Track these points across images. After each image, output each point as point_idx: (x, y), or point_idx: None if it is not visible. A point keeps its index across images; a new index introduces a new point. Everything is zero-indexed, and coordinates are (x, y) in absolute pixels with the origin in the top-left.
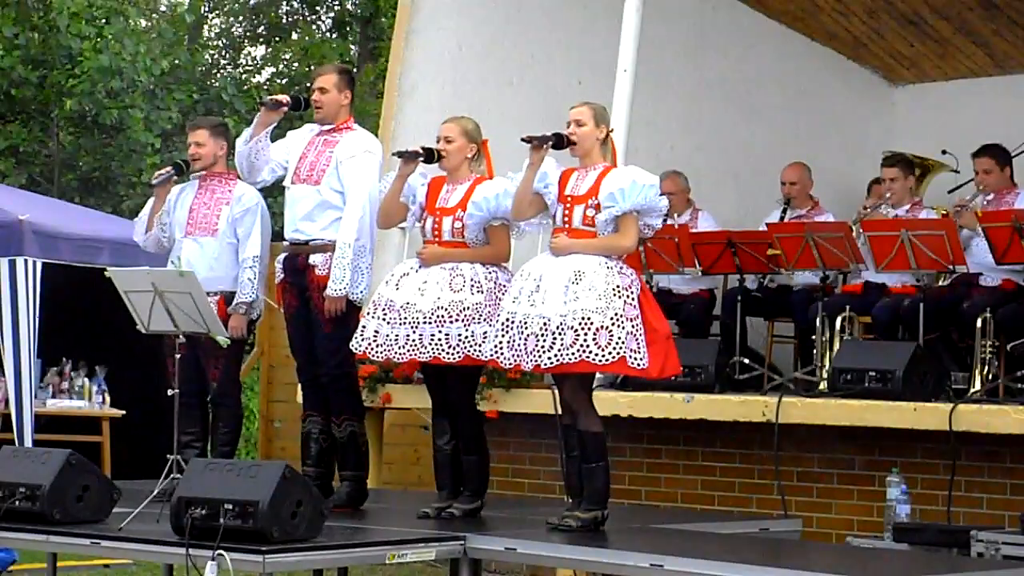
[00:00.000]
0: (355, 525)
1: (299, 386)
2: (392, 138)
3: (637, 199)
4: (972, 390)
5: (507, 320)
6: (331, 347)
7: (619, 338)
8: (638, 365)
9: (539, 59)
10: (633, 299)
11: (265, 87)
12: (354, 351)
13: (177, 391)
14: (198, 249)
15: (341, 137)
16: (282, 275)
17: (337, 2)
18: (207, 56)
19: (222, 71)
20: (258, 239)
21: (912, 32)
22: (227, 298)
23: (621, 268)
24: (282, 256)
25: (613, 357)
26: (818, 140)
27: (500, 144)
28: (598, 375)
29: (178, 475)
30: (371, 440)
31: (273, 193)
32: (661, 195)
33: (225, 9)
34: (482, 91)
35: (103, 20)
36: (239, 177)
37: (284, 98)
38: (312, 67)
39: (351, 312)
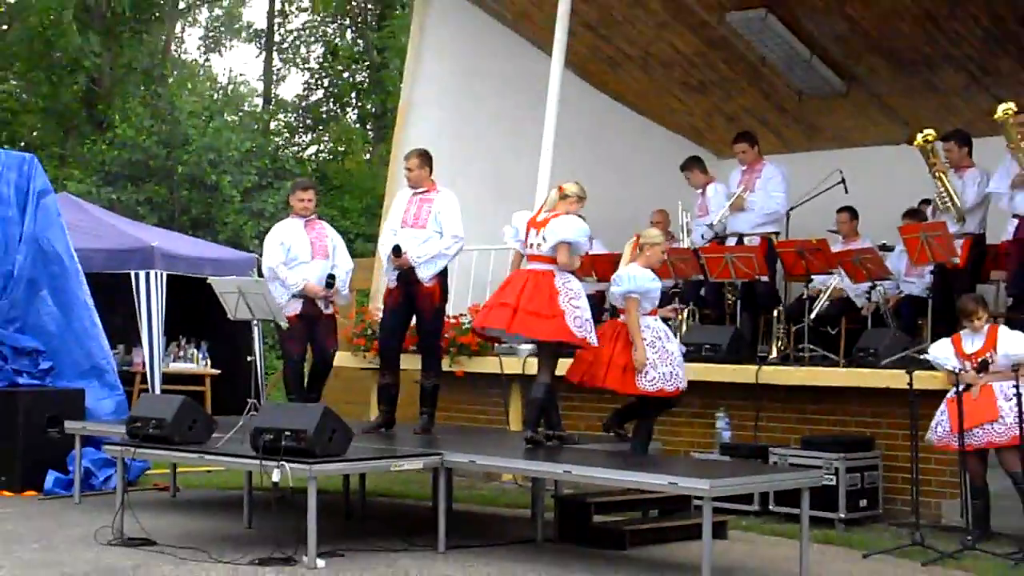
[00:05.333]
0: (371, 445)
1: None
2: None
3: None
4: (771, 356)
5: None
6: (431, 329)
7: None
8: None
9: (493, 135)
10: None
11: (312, 158)
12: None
13: (255, 358)
14: (322, 267)
15: (434, 196)
16: (395, 284)
17: (359, 103)
18: (277, 139)
19: (285, 149)
20: (348, 256)
21: (734, 127)
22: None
23: None
24: (396, 272)
25: None
26: (672, 200)
27: (467, 198)
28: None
29: (254, 412)
30: (375, 387)
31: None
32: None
33: (286, 106)
34: (457, 163)
35: (209, 117)
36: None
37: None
38: (344, 147)
39: (443, 304)
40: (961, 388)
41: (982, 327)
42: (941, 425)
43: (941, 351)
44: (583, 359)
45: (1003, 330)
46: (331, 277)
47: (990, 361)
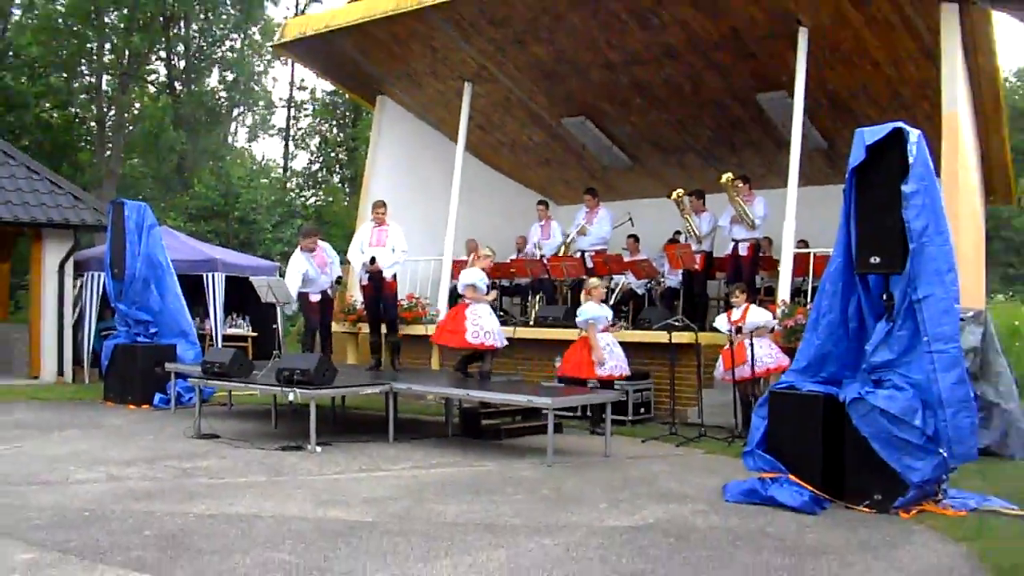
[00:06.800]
0: (348, 378)
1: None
2: (359, 227)
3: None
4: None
5: None
6: (391, 307)
7: None
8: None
9: (422, 192)
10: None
11: (312, 205)
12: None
13: (277, 326)
14: (327, 279)
15: (387, 228)
16: (367, 280)
17: (341, 172)
18: (291, 193)
19: (296, 200)
20: (336, 257)
21: (568, 188)
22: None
23: None
24: (367, 274)
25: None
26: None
27: (408, 230)
28: None
29: (277, 358)
30: (351, 344)
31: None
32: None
33: (297, 174)
34: (400, 209)
35: (251, 180)
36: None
37: (372, 266)
38: (331, 199)
39: (396, 292)
40: (730, 343)
41: (742, 304)
42: (718, 367)
43: (720, 320)
44: (568, 361)
45: (752, 308)
46: (338, 280)
47: (741, 326)
